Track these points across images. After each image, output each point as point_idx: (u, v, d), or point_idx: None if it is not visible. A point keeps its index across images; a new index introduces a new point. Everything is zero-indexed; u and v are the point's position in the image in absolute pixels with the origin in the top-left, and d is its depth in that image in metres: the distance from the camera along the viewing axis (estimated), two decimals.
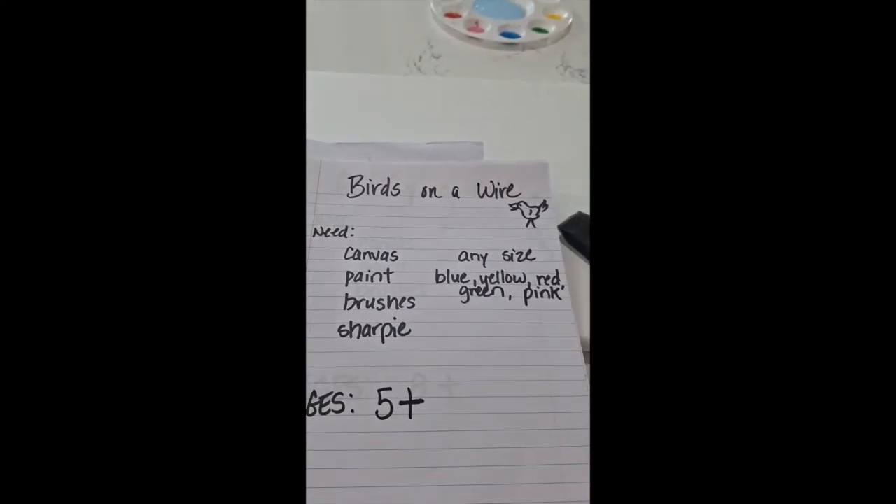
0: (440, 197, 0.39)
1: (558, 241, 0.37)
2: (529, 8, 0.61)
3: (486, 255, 0.36)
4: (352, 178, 0.39)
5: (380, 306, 0.33)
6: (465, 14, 0.60)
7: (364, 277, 0.35)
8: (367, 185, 0.39)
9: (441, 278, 0.35)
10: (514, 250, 0.36)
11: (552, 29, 0.59)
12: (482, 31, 0.58)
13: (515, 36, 0.58)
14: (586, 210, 0.38)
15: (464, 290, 0.34)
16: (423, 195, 0.39)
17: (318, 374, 0.31)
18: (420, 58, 0.56)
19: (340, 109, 0.47)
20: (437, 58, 0.56)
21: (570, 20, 0.60)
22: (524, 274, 0.35)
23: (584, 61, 0.56)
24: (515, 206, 0.38)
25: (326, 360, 0.31)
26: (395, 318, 0.33)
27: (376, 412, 0.30)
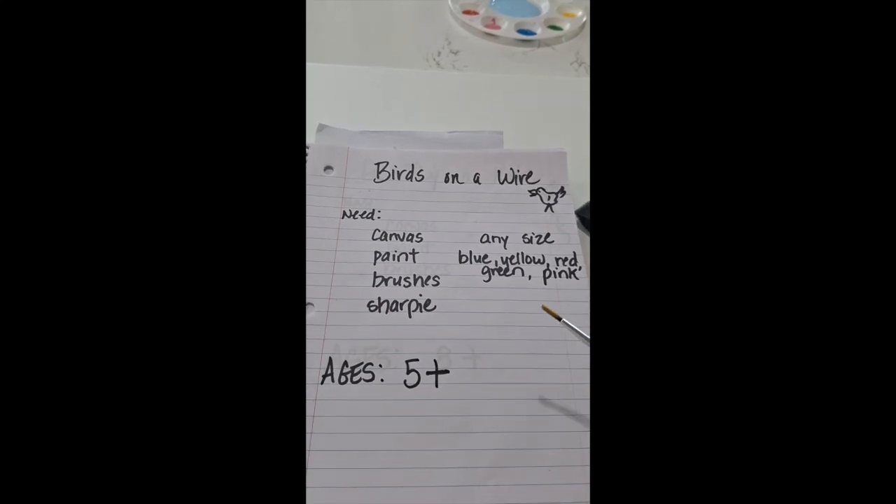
0: (462, 183, 0.40)
1: (575, 226, 0.38)
2: (545, 6, 0.63)
3: (507, 237, 0.38)
4: (378, 164, 0.41)
5: (406, 284, 0.35)
6: (482, 11, 0.61)
7: (391, 257, 0.36)
8: (393, 171, 0.41)
9: (464, 259, 0.37)
10: (533, 233, 0.38)
11: (567, 26, 0.60)
12: (499, 27, 0.60)
13: (531, 33, 0.60)
14: None
15: (486, 269, 0.36)
16: (446, 181, 0.40)
17: (349, 346, 0.32)
18: (439, 53, 0.58)
19: (365, 101, 0.49)
20: (455, 53, 0.58)
21: (585, 18, 0.61)
22: (543, 256, 0.37)
23: None
24: (534, 192, 0.40)
25: (357, 332, 0.33)
26: (420, 295, 0.35)
27: (404, 381, 0.31)
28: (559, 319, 0.31)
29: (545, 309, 0.31)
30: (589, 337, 0.30)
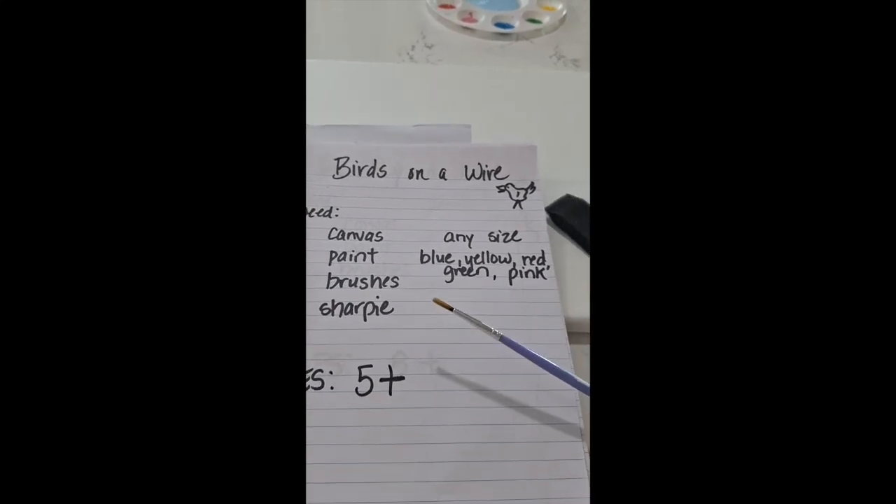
0: (427, 179, 0.38)
1: (545, 223, 0.36)
2: None
3: (472, 235, 0.36)
4: (337, 159, 0.39)
5: (363, 285, 0.33)
6: (458, 5, 0.60)
7: (348, 257, 0.34)
8: (353, 166, 0.39)
9: (426, 258, 0.35)
10: (500, 231, 0.36)
11: (546, 20, 0.59)
12: (476, 21, 0.58)
13: (509, 26, 0.58)
14: (574, 193, 0.38)
15: (448, 270, 0.34)
16: (410, 177, 0.38)
17: None
18: (413, 47, 0.56)
19: (331, 96, 0.47)
20: (429, 47, 0.56)
21: (565, 11, 0.59)
22: (509, 254, 0.35)
23: (577, 51, 0.56)
24: (503, 188, 0.38)
25: (307, 337, 0.31)
26: (377, 297, 0.33)
27: (356, 389, 0.29)
28: (451, 310, 0.30)
29: (436, 301, 0.30)
30: (490, 327, 0.29)
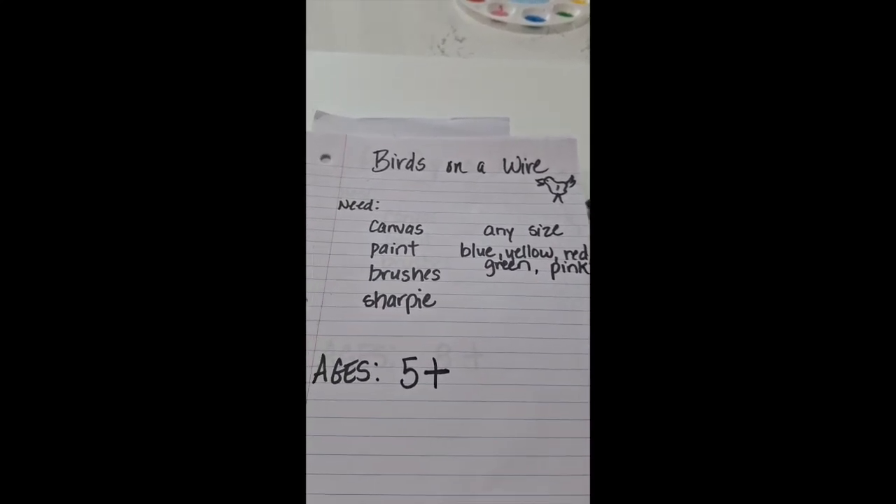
0: (465, 172, 0.38)
1: (586, 217, 0.36)
2: None
3: (512, 229, 0.35)
4: (377, 152, 0.39)
5: (405, 278, 0.33)
6: None
7: (389, 249, 0.34)
8: (392, 159, 0.38)
9: (466, 252, 0.34)
10: (540, 225, 0.36)
11: (577, 13, 0.58)
12: (506, 14, 0.58)
13: (540, 20, 0.57)
14: None
15: (489, 263, 0.34)
16: (448, 170, 0.38)
17: (343, 343, 0.30)
18: (444, 41, 0.55)
19: (366, 89, 0.47)
20: (460, 41, 0.56)
21: None
22: (551, 248, 0.35)
23: None
24: (542, 181, 0.38)
25: (351, 328, 0.31)
26: (419, 290, 0.33)
27: (401, 381, 0.29)
28: None
29: None
30: None
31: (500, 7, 0.59)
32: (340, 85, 0.48)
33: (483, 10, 0.58)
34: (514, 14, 0.57)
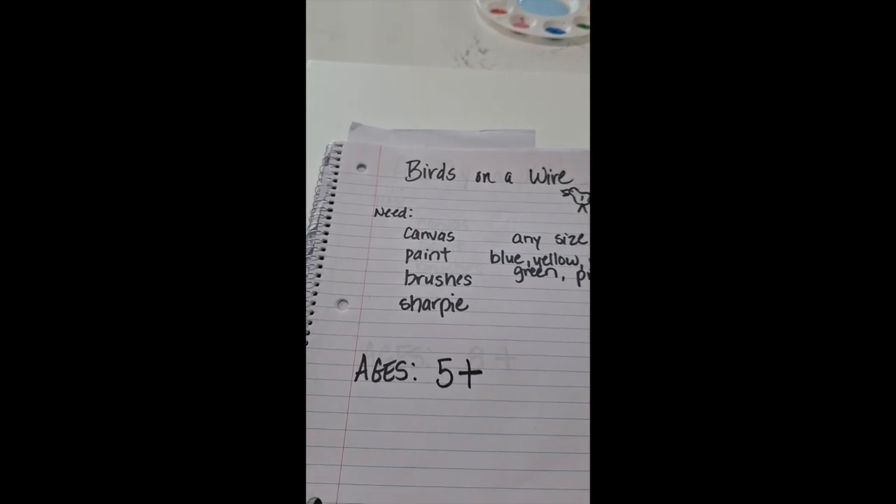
0: (493, 182, 0.40)
1: None
2: (574, 4, 0.62)
3: (539, 237, 0.37)
4: (409, 162, 0.41)
5: (438, 283, 0.35)
6: (510, 10, 0.61)
7: (423, 255, 0.36)
8: (424, 169, 0.40)
9: (496, 258, 0.36)
10: (566, 234, 0.37)
11: None
12: (527, 26, 0.59)
13: (560, 32, 0.59)
14: None
15: (518, 270, 0.36)
16: (478, 180, 0.40)
17: (382, 344, 0.32)
18: (467, 52, 0.57)
19: (394, 100, 0.49)
20: (483, 52, 0.57)
21: None
22: (577, 256, 0.36)
23: None
24: (567, 192, 0.40)
25: (390, 330, 0.33)
26: (452, 294, 0.34)
27: (437, 381, 0.31)
28: None
29: None
30: None
31: (522, 19, 0.60)
32: (369, 95, 0.50)
33: (505, 21, 0.59)
34: (535, 26, 0.59)
